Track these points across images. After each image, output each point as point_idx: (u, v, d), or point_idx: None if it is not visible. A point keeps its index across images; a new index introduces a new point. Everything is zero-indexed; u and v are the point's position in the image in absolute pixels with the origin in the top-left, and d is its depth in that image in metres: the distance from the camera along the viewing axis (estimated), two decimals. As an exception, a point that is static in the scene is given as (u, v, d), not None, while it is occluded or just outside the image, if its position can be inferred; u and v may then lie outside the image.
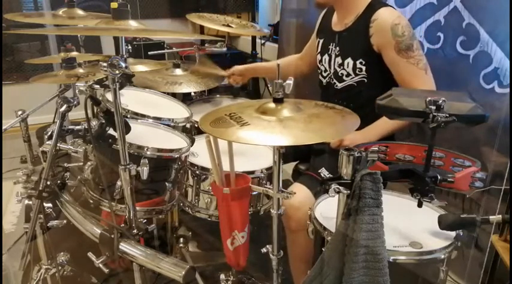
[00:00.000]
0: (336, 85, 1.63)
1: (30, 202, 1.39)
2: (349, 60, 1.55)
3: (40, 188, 1.28)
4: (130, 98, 1.63)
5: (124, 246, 1.08)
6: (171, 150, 1.37)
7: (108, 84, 1.02)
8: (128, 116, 1.47)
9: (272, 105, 1.06)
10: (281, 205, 1.14)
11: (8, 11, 3.29)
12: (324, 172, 1.47)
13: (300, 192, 1.40)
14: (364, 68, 1.53)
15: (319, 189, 1.42)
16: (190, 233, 1.76)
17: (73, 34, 2.32)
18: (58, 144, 1.28)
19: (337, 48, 1.61)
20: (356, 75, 1.55)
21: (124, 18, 1.33)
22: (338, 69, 1.60)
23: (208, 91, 2.21)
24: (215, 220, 1.49)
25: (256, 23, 3.36)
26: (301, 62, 1.96)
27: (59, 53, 1.80)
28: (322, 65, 1.70)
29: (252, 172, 1.43)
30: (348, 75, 1.57)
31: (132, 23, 1.33)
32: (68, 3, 1.89)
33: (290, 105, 1.06)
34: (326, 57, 1.67)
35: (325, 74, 1.69)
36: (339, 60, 1.60)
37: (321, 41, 1.72)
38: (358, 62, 1.53)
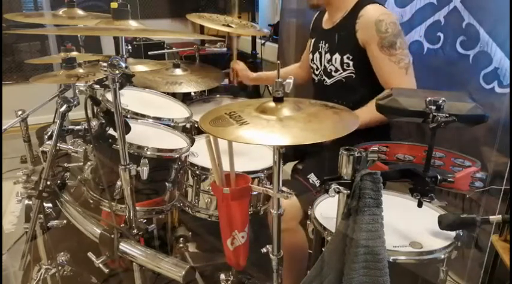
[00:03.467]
0: (326, 82, 1.64)
1: (30, 202, 1.39)
2: (337, 56, 1.57)
3: (40, 188, 1.28)
4: (131, 98, 1.63)
5: (124, 246, 1.08)
6: (171, 150, 1.37)
7: (108, 84, 1.02)
8: (128, 116, 1.47)
9: (272, 104, 1.06)
10: (281, 205, 1.14)
11: (8, 11, 3.29)
12: (313, 178, 1.49)
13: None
14: (351, 63, 1.54)
15: (322, 189, 1.43)
16: (190, 233, 1.76)
17: (73, 34, 2.32)
18: (58, 144, 1.28)
19: (326, 45, 1.64)
20: (344, 70, 1.56)
21: (124, 18, 1.33)
22: (327, 65, 1.62)
23: (208, 91, 2.22)
24: (215, 220, 1.49)
25: (256, 23, 3.36)
26: (301, 70, 1.99)
27: (59, 53, 1.81)
28: (314, 63, 1.72)
29: (252, 172, 1.43)
30: (336, 70, 1.59)
31: (132, 23, 1.33)
32: (68, 3, 1.88)
33: (290, 104, 1.06)
34: (317, 55, 1.69)
35: (317, 72, 1.71)
36: (327, 56, 1.62)
37: (313, 40, 1.75)
38: (345, 57, 1.54)
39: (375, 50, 1.46)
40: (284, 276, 1.22)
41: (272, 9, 3.57)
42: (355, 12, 1.51)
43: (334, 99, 1.45)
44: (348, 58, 1.54)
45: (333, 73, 1.60)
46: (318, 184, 1.47)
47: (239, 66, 2.12)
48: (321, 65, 1.67)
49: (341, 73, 1.57)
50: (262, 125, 1.00)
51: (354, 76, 1.55)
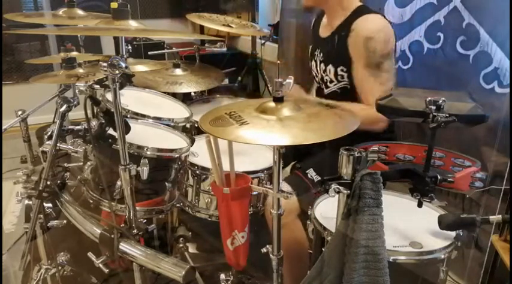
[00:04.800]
0: (324, 91, 1.64)
1: (30, 202, 1.39)
2: (331, 67, 1.55)
3: (40, 188, 1.28)
4: (131, 98, 1.63)
5: (124, 246, 1.08)
6: (171, 150, 1.37)
7: (108, 84, 1.02)
8: (128, 116, 1.47)
9: (272, 104, 1.06)
10: (281, 205, 1.14)
11: (8, 11, 3.29)
12: (312, 173, 1.48)
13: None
14: (345, 74, 1.52)
15: (314, 192, 1.43)
16: (190, 233, 1.76)
17: (73, 34, 2.32)
18: (58, 144, 1.28)
19: (321, 54, 1.62)
20: (338, 81, 1.55)
21: (124, 18, 1.33)
22: (323, 75, 1.61)
23: (208, 91, 2.22)
24: (215, 220, 1.49)
25: (256, 23, 3.36)
26: None
27: (59, 53, 1.81)
28: (313, 70, 1.71)
29: (252, 172, 1.43)
30: (331, 81, 1.57)
31: (132, 23, 1.33)
32: (68, 3, 1.88)
33: (290, 104, 1.06)
34: (313, 62, 1.68)
35: (316, 79, 1.70)
36: (322, 66, 1.60)
37: (310, 46, 1.73)
38: (339, 69, 1.53)
39: (360, 66, 1.44)
40: (284, 274, 1.22)
41: (272, 9, 3.57)
42: (348, 23, 1.47)
43: None
44: (342, 70, 1.52)
45: (329, 84, 1.59)
46: (316, 179, 1.47)
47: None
48: (318, 73, 1.66)
49: (336, 84, 1.56)
50: (262, 125, 1.00)
51: (348, 87, 1.53)
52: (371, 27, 1.42)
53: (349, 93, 1.53)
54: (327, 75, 1.58)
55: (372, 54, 1.40)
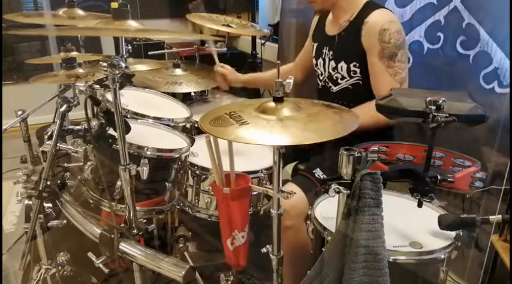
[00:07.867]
0: (332, 89, 1.63)
1: (30, 202, 1.39)
2: (343, 64, 1.56)
3: (40, 188, 1.28)
4: (130, 98, 1.63)
5: (124, 246, 1.08)
6: (171, 150, 1.37)
7: (108, 84, 1.02)
8: (128, 116, 1.47)
9: (272, 104, 1.06)
10: (281, 205, 1.14)
11: (8, 11, 3.29)
12: (318, 173, 1.48)
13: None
14: (358, 70, 1.53)
15: (318, 189, 1.42)
16: (190, 233, 1.76)
17: (73, 34, 2.32)
18: (58, 144, 1.28)
19: (331, 52, 1.62)
20: (351, 77, 1.56)
21: (124, 18, 1.33)
22: (332, 73, 1.61)
23: (208, 92, 2.22)
24: (215, 220, 1.49)
25: (256, 23, 3.36)
26: (296, 69, 1.96)
27: (59, 53, 1.81)
28: (318, 68, 1.71)
29: (252, 172, 1.43)
30: (343, 78, 1.58)
31: (132, 23, 1.33)
32: (68, 3, 1.88)
33: (290, 104, 1.06)
34: (320, 60, 1.68)
35: (321, 77, 1.70)
36: (332, 63, 1.60)
37: (316, 45, 1.73)
38: (352, 65, 1.54)
39: (374, 58, 1.45)
40: (285, 274, 1.21)
41: (272, 9, 3.57)
42: (360, 18, 1.49)
43: None
44: (354, 66, 1.53)
45: (339, 81, 1.59)
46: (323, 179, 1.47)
47: (226, 69, 2.03)
48: (325, 71, 1.66)
49: (348, 80, 1.57)
50: (262, 125, 1.00)
51: (361, 82, 1.55)
52: (384, 18, 1.45)
53: (361, 89, 1.54)
54: (337, 72, 1.58)
55: (387, 45, 1.42)
